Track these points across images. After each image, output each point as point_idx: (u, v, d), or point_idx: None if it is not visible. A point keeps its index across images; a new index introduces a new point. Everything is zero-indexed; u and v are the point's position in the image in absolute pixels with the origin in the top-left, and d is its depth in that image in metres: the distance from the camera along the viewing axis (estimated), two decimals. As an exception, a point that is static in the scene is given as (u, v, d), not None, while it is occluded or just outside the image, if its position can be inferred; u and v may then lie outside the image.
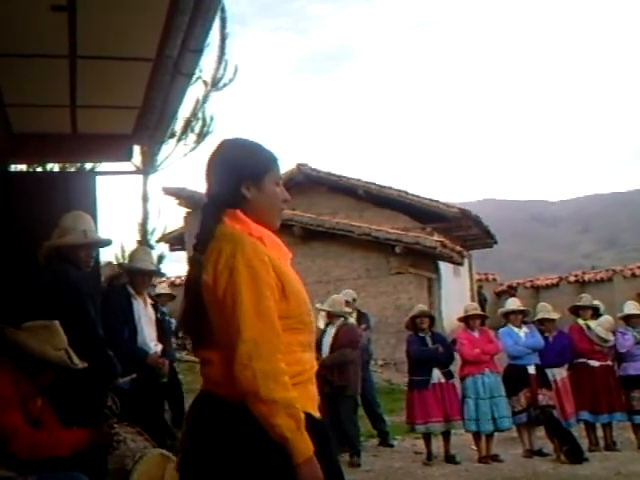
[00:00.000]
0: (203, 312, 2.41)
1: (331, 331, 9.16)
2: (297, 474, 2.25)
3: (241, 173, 2.52)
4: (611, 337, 9.59)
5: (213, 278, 2.37)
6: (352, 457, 9.01)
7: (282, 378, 2.28)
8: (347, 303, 10.03)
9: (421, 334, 9.23)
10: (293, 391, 2.30)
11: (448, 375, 9.11)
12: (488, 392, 9.01)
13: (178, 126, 11.49)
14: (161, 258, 12.63)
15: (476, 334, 9.33)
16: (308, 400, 2.43)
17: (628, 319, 9.88)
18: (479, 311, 9.83)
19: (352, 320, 9.81)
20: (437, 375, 9.02)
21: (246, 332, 2.28)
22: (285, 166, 19.99)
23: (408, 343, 9.41)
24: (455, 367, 9.44)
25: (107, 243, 5.75)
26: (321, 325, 9.69)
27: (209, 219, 2.50)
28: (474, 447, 9.27)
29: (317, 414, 2.47)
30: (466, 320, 9.51)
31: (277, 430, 2.24)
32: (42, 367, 4.25)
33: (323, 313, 9.64)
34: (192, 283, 2.47)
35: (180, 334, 8.13)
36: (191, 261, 2.52)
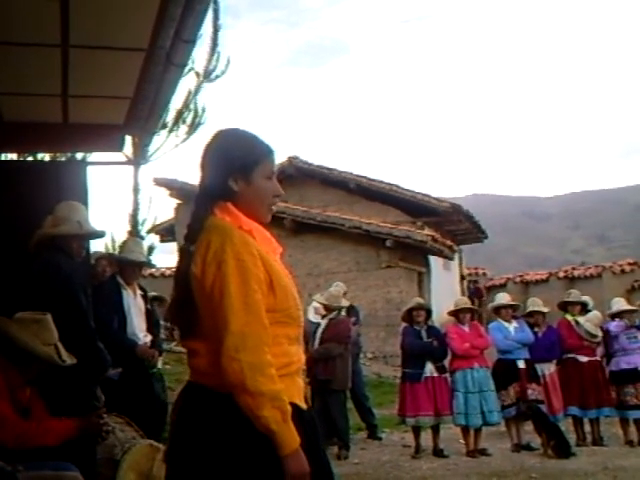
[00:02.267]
0: (191, 303, 2.42)
1: (323, 325, 9.20)
2: (283, 466, 2.27)
3: (230, 165, 2.51)
4: (599, 333, 9.64)
5: (201, 270, 2.38)
6: (340, 450, 9.04)
7: (269, 370, 2.29)
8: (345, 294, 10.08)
9: (417, 327, 9.24)
10: (279, 383, 2.31)
11: (441, 369, 9.12)
12: (477, 386, 9.03)
13: (170, 117, 11.47)
14: (151, 249, 12.59)
15: (466, 328, 9.34)
16: (295, 391, 2.44)
17: (617, 316, 9.92)
18: (469, 305, 9.84)
19: (343, 314, 9.83)
20: (430, 369, 9.03)
21: (233, 324, 2.29)
22: (277, 159, 19.96)
23: (403, 335, 9.41)
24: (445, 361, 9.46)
25: (101, 235, 5.75)
26: (311, 317, 9.70)
27: (200, 210, 2.50)
28: (462, 441, 9.30)
29: (304, 405, 2.47)
30: (456, 314, 9.54)
31: (263, 422, 2.26)
32: (30, 361, 4.24)
33: (317, 305, 9.66)
34: (181, 274, 2.48)
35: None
36: (181, 252, 2.53)
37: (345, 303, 9.72)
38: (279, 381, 2.31)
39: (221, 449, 2.33)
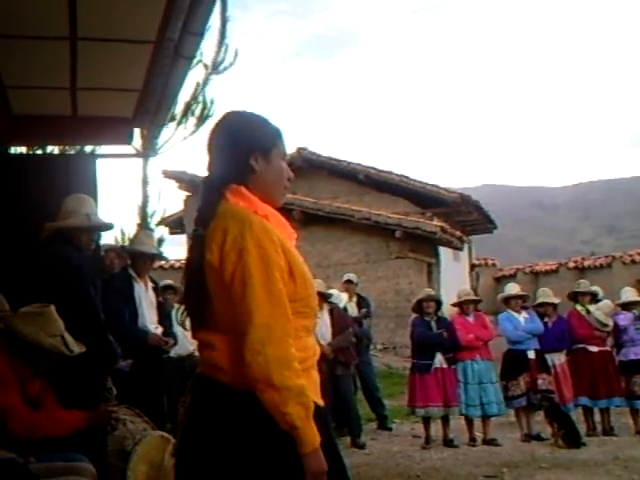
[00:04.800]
0: (205, 292, 2.31)
1: (324, 316, 9.16)
2: (304, 464, 2.20)
3: (250, 144, 2.41)
4: (610, 322, 9.62)
5: (219, 259, 2.26)
6: (356, 439, 9.10)
7: (294, 364, 2.21)
8: (350, 283, 10.13)
9: (427, 318, 9.25)
10: (303, 378, 2.23)
11: (450, 360, 9.14)
12: (477, 378, 9.10)
13: (178, 109, 11.50)
14: (161, 241, 12.64)
15: (471, 319, 9.37)
16: (313, 387, 2.35)
17: (626, 306, 9.91)
18: (472, 296, 9.84)
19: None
20: (439, 360, 9.06)
21: (258, 316, 2.19)
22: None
23: (413, 326, 9.44)
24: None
25: (109, 227, 5.75)
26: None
27: (211, 194, 2.39)
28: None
29: (320, 402, 2.38)
30: (460, 305, 9.55)
31: (288, 419, 2.17)
32: (37, 354, 4.25)
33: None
34: (194, 262, 2.37)
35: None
36: (192, 238, 2.42)
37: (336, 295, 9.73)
38: (302, 376, 2.23)
39: (237, 447, 2.24)
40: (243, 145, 2.41)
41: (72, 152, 9.89)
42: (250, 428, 2.24)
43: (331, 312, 9.25)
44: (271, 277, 2.23)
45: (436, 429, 9.30)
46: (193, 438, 2.35)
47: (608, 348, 9.75)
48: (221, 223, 2.30)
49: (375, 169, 21.31)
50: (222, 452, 2.26)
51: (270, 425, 2.20)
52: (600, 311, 9.65)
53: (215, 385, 2.31)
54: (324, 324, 9.11)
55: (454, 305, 9.76)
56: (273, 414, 2.18)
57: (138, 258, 6.51)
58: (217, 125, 2.49)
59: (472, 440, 9.12)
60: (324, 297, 9.32)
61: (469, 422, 9.26)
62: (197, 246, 2.36)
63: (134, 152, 9.36)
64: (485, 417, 9.20)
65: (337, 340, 9.02)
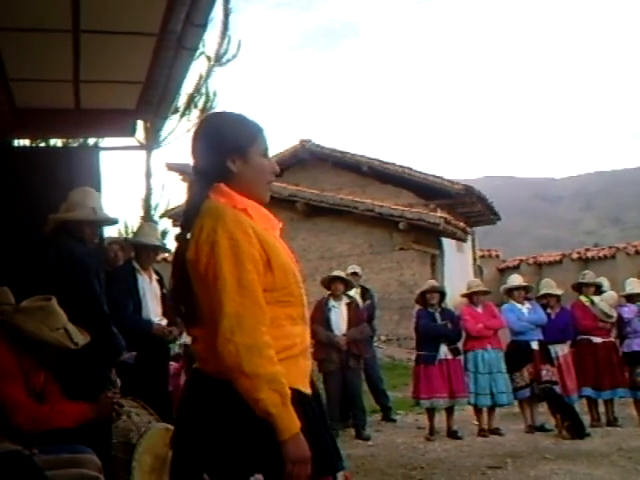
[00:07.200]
0: (190, 290, 2.39)
1: (341, 307, 9.23)
2: (282, 450, 2.23)
3: (225, 147, 2.47)
4: (614, 313, 9.62)
5: (195, 253, 2.34)
6: (361, 430, 9.13)
7: (266, 352, 2.25)
8: (355, 275, 10.16)
9: (431, 309, 9.26)
10: (278, 365, 2.26)
11: (455, 352, 9.15)
12: (487, 367, 9.09)
13: (181, 101, 11.49)
14: (164, 233, 12.64)
15: (479, 309, 9.37)
16: (298, 375, 2.39)
17: (630, 297, 9.90)
18: (482, 287, 9.84)
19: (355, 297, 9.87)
20: (444, 351, 9.06)
21: (228, 306, 2.26)
22: (289, 142, 19.93)
23: (417, 318, 9.44)
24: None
25: (114, 222, 5.75)
26: None
27: (196, 195, 2.47)
28: (476, 422, 9.34)
29: (307, 390, 2.42)
30: (470, 296, 9.55)
31: (261, 405, 2.21)
32: (41, 349, 4.26)
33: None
34: (179, 260, 2.45)
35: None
36: (178, 238, 2.49)
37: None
38: (278, 363, 2.27)
39: (220, 436, 2.30)
40: (219, 148, 2.48)
41: (75, 144, 9.90)
42: (231, 416, 2.29)
43: (349, 305, 9.30)
44: (241, 268, 2.29)
45: (440, 421, 9.31)
46: (185, 428, 2.43)
47: (612, 339, 9.75)
48: (200, 221, 2.38)
49: (378, 161, 21.28)
50: (210, 440, 2.32)
51: (250, 413, 2.25)
52: (604, 302, 9.64)
53: (203, 376, 2.40)
54: (340, 316, 9.16)
55: (464, 296, 9.77)
56: (248, 401, 2.24)
57: (142, 250, 6.51)
58: (197, 130, 2.57)
59: (482, 430, 9.12)
60: (346, 285, 9.39)
61: (478, 412, 9.27)
62: (181, 246, 2.45)
63: (137, 144, 9.35)
64: (493, 407, 9.22)
65: (352, 332, 9.07)
